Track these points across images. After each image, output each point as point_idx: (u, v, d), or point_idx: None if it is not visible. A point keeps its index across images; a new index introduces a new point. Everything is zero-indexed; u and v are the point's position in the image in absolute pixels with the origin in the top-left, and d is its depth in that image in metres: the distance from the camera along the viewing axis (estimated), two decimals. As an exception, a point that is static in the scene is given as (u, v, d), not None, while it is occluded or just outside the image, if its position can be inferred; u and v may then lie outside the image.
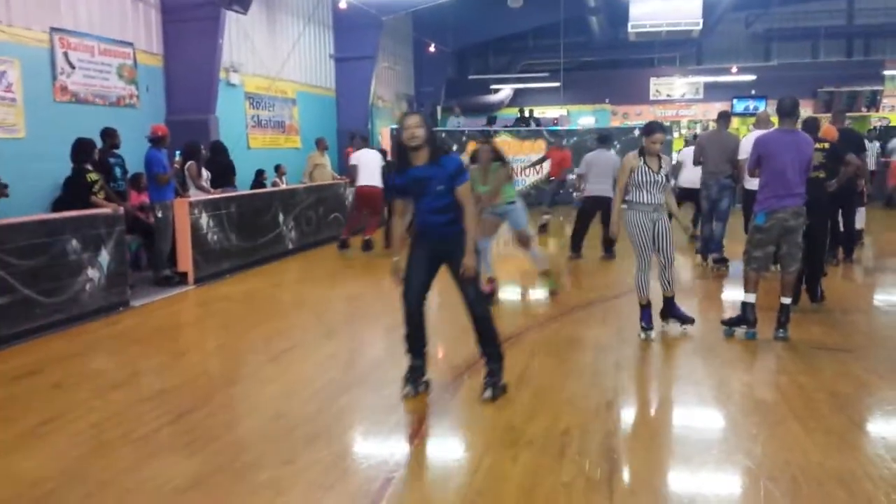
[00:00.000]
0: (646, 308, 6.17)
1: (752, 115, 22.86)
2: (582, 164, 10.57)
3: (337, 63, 17.23)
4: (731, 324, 6.17)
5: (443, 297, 7.97)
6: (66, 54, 9.64)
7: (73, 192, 7.88)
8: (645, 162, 5.97)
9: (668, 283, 6.21)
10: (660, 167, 5.99)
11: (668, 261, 6.14)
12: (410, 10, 17.68)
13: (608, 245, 10.20)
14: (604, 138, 11.15)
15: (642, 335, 6.13)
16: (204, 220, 9.12)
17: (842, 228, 9.11)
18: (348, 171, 11.80)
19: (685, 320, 6.28)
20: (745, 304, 6.08)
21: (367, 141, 13.31)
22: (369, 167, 11.06)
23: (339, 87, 17.34)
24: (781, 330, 5.99)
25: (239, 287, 8.87)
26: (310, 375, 5.54)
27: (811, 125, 7.45)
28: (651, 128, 6.01)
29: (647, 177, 5.95)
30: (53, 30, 9.44)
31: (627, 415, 4.62)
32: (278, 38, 14.84)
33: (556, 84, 22.13)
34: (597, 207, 10.05)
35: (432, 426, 4.44)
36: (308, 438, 4.22)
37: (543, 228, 13.39)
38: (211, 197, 9.56)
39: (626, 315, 7.14)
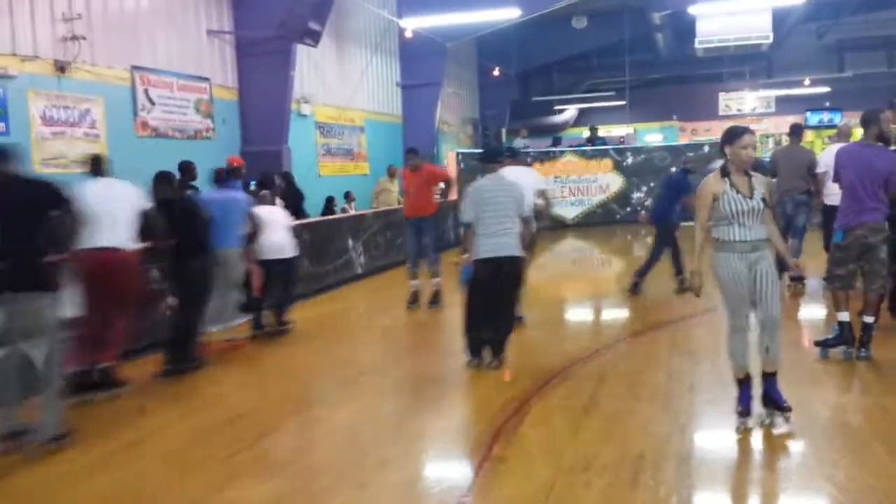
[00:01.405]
0: (744, 385, 4.59)
1: (827, 127, 22.24)
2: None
3: (403, 90, 17.51)
4: (826, 345, 5.96)
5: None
6: (146, 91, 10.09)
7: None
8: (732, 184, 4.42)
9: (772, 350, 4.52)
10: (752, 188, 4.42)
11: (771, 320, 4.49)
12: (474, 36, 17.86)
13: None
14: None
15: (739, 424, 4.49)
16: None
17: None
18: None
19: (782, 407, 4.52)
20: (841, 324, 5.87)
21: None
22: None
23: (406, 113, 17.61)
24: (864, 349, 5.76)
25: (311, 312, 9.05)
26: (380, 400, 5.62)
27: (886, 139, 7.19)
28: (735, 131, 4.53)
29: (737, 205, 4.37)
30: (134, 68, 9.90)
31: (702, 440, 4.54)
32: (347, 68, 15.19)
33: (622, 102, 21.96)
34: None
35: (503, 451, 4.44)
36: (380, 462, 4.28)
37: None
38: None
39: (697, 337, 7.03)
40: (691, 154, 17.39)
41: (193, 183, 9.27)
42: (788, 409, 4.48)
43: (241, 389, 6.05)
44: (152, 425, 5.13)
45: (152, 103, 10.21)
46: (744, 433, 4.42)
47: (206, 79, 11.20)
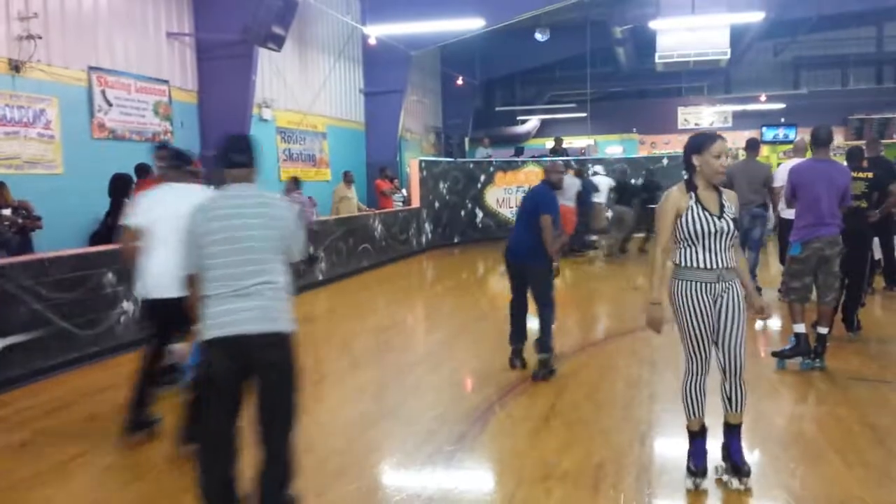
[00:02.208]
0: (698, 438, 3.94)
1: (782, 143, 22.74)
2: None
3: (366, 97, 17.45)
4: (783, 355, 6.05)
5: (472, 328, 7.98)
6: (103, 92, 9.89)
7: (111, 226, 8.04)
8: (698, 199, 3.79)
9: (735, 400, 3.92)
10: (721, 206, 3.80)
11: (736, 364, 3.89)
12: (438, 45, 17.89)
13: None
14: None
15: (690, 484, 3.86)
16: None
17: (877, 257, 8.97)
18: None
19: (741, 471, 3.86)
20: (797, 335, 5.97)
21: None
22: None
23: (369, 120, 17.55)
24: (818, 360, 5.90)
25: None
26: (339, 408, 5.55)
27: (856, 155, 7.38)
28: (703, 138, 3.90)
29: (703, 224, 3.73)
30: (91, 69, 9.70)
31: (662, 448, 4.56)
32: (310, 73, 15.09)
33: (584, 114, 22.19)
34: None
35: (463, 459, 4.41)
36: (338, 471, 4.22)
37: None
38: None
39: (656, 345, 7.08)
40: (584, 157, 17.78)
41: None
42: (747, 474, 3.82)
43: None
44: (102, 436, 4.99)
45: (109, 105, 10.00)
46: (695, 494, 3.81)
47: (166, 81, 11.02)
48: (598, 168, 16.22)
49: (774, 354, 6.13)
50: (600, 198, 14.70)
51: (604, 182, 14.94)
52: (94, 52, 9.79)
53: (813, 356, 5.91)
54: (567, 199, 12.10)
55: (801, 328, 5.95)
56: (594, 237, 15.20)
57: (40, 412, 5.50)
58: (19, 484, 4.19)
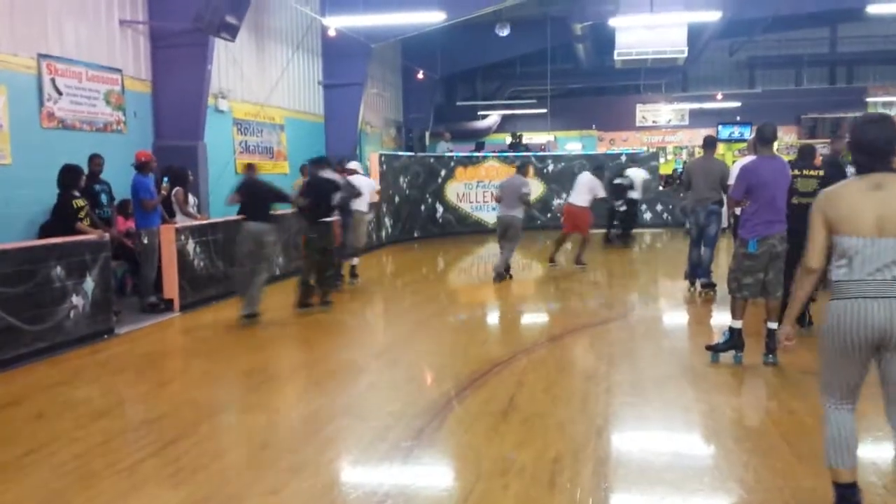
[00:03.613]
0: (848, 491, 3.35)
1: (737, 141, 23.11)
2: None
3: (325, 89, 17.27)
4: (718, 349, 6.14)
5: (431, 323, 7.96)
6: (53, 80, 9.60)
7: (60, 218, 7.83)
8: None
9: None
10: None
11: None
12: (399, 38, 17.78)
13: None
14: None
15: None
16: (190, 246, 9.06)
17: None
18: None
19: None
20: (732, 330, 6.06)
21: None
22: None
23: (328, 113, 17.37)
24: (771, 355, 5.98)
25: (225, 314, 8.78)
26: (295, 404, 5.48)
27: (808, 153, 7.49)
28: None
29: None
30: (41, 56, 9.41)
31: (618, 442, 4.58)
32: (267, 64, 14.87)
33: (544, 110, 22.29)
34: None
35: (421, 455, 4.38)
36: (294, 468, 4.15)
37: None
38: (197, 223, 9.51)
39: (614, 341, 7.14)
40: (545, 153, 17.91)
41: (102, 176, 8.93)
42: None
43: (148, 395, 5.79)
44: (50, 433, 4.85)
45: (59, 93, 9.72)
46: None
47: (118, 70, 10.75)
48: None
49: (708, 348, 6.22)
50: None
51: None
52: (43, 39, 9.50)
53: (766, 351, 5.99)
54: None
55: (738, 324, 6.04)
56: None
57: (-16, 409, 5.33)
58: (-40, 484, 4.04)
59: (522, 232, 10.79)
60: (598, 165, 11.41)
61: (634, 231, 15.85)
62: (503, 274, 10.59)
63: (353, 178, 10.62)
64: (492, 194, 17.75)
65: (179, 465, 4.23)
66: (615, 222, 15.40)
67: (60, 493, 3.91)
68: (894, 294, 3.11)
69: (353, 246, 10.78)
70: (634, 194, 15.31)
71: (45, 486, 4.01)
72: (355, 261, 11.01)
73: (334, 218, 9.17)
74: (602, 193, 12.14)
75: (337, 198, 9.19)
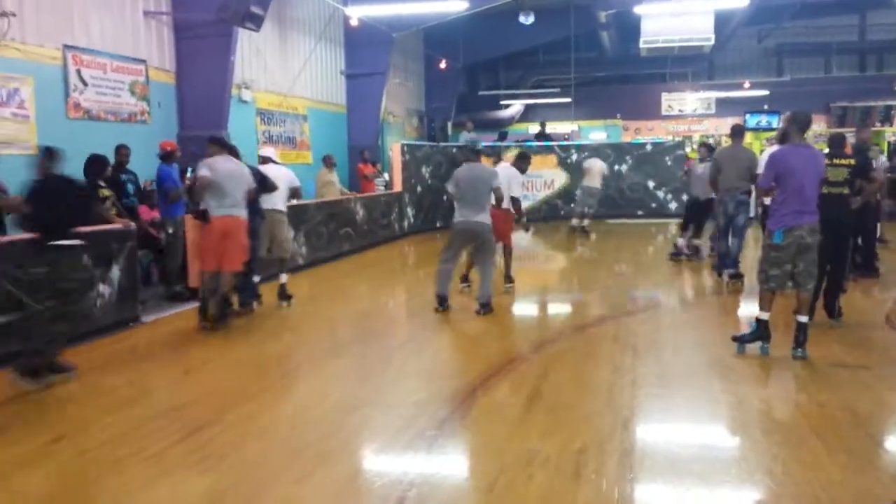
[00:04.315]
0: None
1: (765, 130, 22.79)
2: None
3: (348, 79, 17.27)
4: (744, 340, 6.06)
5: (455, 313, 7.94)
6: (78, 71, 9.69)
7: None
8: None
9: None
10: None
11: None
12: (421, 27, 17.73)
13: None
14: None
15: None
16: (215, 235, 9.10)
17: (860, 243, 9.02)
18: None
19: None
20: (759, 321, 5.98)
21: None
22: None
23: (350, 103, 17.38)
24: (800, 349, 5.85)
25: (250, 303, 8.82)
26: (320, 393, 5.48)
27: (838, 142, 7.35)
28: None
29: None
30: (67, 47, 9.49)
31: (644, 433, 4.53)
32: (290, 54, 14.90)
33: (568, 99, 22.12)
34: None
35: (445, 445, 4.37)
36: (320, 457, 4.16)
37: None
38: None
39: (639, 332, 7.08)
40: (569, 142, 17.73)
41: (128, 167, 8.99)
42: None
43: (174, 382, 5.83)
44: (77, 420, 4.90)
45: (85, 84, 9.81)
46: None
47: (143, 61, 10.82)
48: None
49: (735, 339, 6.13)
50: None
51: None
52: (69, 31, 9.58)
53: (795, 345, 5.87)
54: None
55: (766, 316, 5.95)
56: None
57: (16, 396, 5.38)
58: (-10, 470, 4.11)
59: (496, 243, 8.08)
60: (522, 154, 9.08)
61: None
62: (489, 305, 7.72)
63: (267, 168, 8.40)
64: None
65: (206, 452, 4.26)
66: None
67: (89, 478, 3.95)
68: None
69: (277, 257, 8.63)
70: (593, 183, 15.27)
71: (73, 471, 4.06)
72: (283, 278, 8.56)
73: (75, 242, 5.90)
74: (518, 192, 9.03)
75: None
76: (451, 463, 4.18)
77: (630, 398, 5.11)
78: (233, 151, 7.75)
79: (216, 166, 7.27)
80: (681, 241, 11.17)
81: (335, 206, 12.65)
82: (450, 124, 23.02)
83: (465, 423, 4.72)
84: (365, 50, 16.84)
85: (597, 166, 15.40)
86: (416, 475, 3.92)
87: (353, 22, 15.22)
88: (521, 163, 9.08)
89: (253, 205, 7.72)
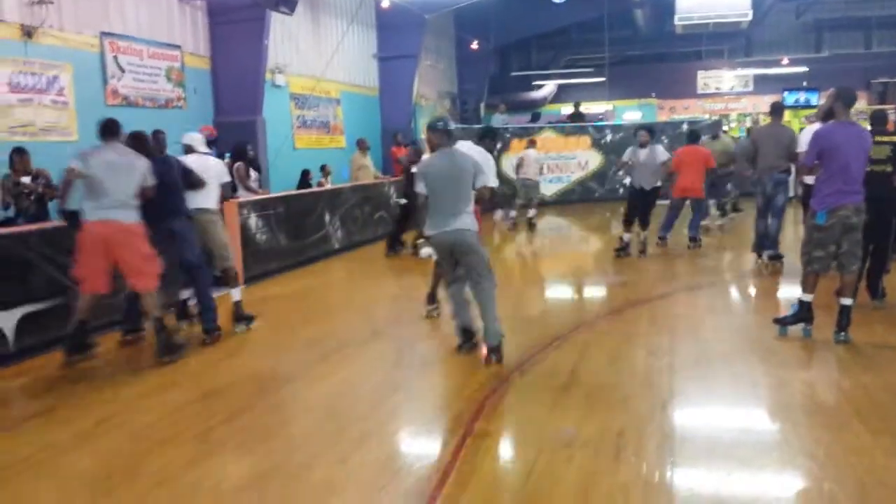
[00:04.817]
0: None
1: (803, 107, 22.33)
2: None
3: (380, 62, 17.26)
4: (786, 322, 5.97)
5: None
6: (116, 58, 9.81)
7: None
8: None
9: None
10: None
11: None
12: (453, 8, 17.62)
13: None
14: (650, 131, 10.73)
15: None
16: (252, 220, 9.21)
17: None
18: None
19: None
20: (802, 302, 5.88)
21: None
22: None
23: (383, 86, 17.38)
24: (843, 333, 5.71)
25: (287, 287, 8.92)
26: (359, 375, 5.53)
27: (881, 118, 7.17)
28: None
29: None
30: (104, 34, 9.62)
31: (684, 416, 4.51)
32: (322, 38, 14.92)
33: (601, 79, 21.86)
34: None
35: (485, 426, 4.38)
36: (360, 438, 4.20)
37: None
38: (259, 197, 9.65)
39: (676, 314, 7.02)
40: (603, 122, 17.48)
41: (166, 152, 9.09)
42: None
43: (213, 366, 5.92)
44: (121, 403, 5.01)
45: (122, 71, 9.94)
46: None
47: (178, 46, 10.92)
48: None
49: (776, 321, 6.03)
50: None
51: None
52: (105, 18, 9.71)
53: (837, 329, 5.75)
54: None
55: (809, 298, 5.83)
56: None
57: (63, 381, 5.52)
58: (50, 448, 4.21)
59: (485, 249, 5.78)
60: (487, 130, 6.96)
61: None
62: (500, 350, 5.53)
63: (192, 160, 6.84)
64: (548, 167, 17.40)
65: (248, 435, 4.33)
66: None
67: (132, 460, 4.03)
68: None
69: (222, 268, 7.01)
70: (528, 174, 13.89)
71: (118, 453, 4.15)
72: (236, 294, 6.97)
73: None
74: (493, 181, 6.24)
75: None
76: (489, 445, 4.19)
77: (668, 381, 5.07)
78: (138, 139, 6.37)
79: (91, 157, 5.77)
80: (626, 237, 10.20)
81: (369, 189, 12.69)
82: (482, 106, 22.90)
83: (503, 406, 4.72)
84: (397, 32, 16.80)
85: (531, 157, 13.96)
86: (454, 459, 3.94)
87: (385, 4, 15.18)
88: (488, 142, 6.62)
89: (178, 205, 6.43)
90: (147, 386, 5.34)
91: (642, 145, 10.22)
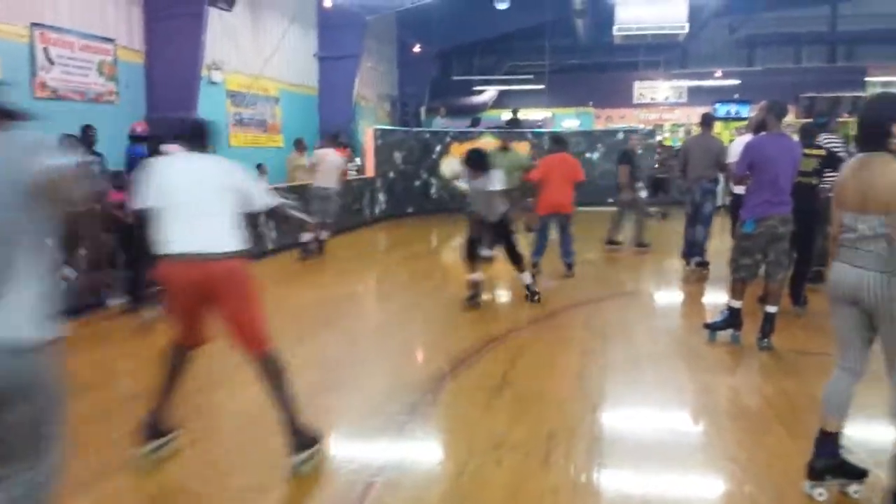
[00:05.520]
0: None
1: (734, 119, 23.01)
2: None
3: (320, 62, 17.10)
4: (715, 327, 6.14)
5: (422, 300, 7.93)
6: (45, 50, 9.48)
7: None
8: None
9: None
10: None
11: None
12: (395, 10, 17.60)
13: None
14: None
15: None
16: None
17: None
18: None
19: None
20: (731, 309, 6.04)
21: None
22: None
23: (323, 86, 17.21)
24: (766, 339, 5.90)
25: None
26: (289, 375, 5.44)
27: (809, 132, 7.42)
28: None
29: None
30: (34, 25, 9.28)
31: (613, 419, 4.58)
32: (261, 36, 14.71)
33: (541, 86, 22.12)
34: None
35: (415, 429, 4.37)
36: (287, 442, 4.13)
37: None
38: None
39: (609, 319, 7.13)
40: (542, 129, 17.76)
41: (95, 148, 8.85)
42: None
43: (137, 369, 5.74)
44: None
45: (52, 63, 9.60)
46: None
47: (111, 40, 10.61)
48: None
49: (706, 326, 6.20)
50: None
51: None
52: (37, 8, 9.37)
53: (761, 335, 5.92)
54: None
55: (738, 304, 6.00)
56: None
57: None
58: None
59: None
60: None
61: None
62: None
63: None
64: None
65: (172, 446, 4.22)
66: None
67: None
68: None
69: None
70: (325, 182, 11.36)
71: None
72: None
73: None
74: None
75: None
76: (420, 448, 4.19)
77: (599, 384, 5.15)
78: None
79: None
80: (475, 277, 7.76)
81: (306, 190, 12.54)
82: (423, 109, 22.92)
83: (435, 409, 4.73)
84: (338, 32, 16.67)
85: (329, 160, 11.30)
86: (385, 460, 3.92)
87: (327, 3, 15.06)
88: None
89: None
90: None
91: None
